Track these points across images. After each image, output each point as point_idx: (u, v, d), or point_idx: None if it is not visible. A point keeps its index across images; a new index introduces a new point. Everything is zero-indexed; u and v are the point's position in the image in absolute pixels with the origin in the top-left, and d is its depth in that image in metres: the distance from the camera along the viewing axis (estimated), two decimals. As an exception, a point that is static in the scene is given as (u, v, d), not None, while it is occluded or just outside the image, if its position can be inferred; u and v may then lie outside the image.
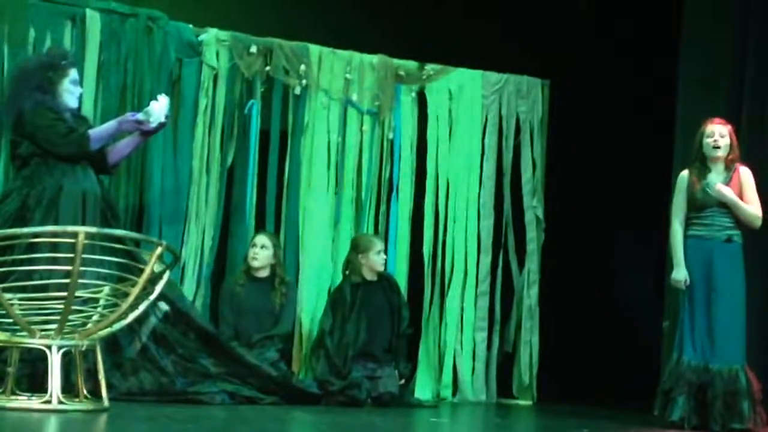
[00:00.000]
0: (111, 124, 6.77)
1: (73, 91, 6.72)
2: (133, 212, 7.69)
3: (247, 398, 7.03)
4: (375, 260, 7.89)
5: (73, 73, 6.75)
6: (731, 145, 6.99)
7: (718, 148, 6.96)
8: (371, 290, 7.90)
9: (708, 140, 6.98)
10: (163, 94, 6.94)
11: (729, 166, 6.99)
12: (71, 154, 6.53)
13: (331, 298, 7.92)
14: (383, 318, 7.91)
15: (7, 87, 6.82)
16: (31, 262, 5.96)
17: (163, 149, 7.73)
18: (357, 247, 7.93)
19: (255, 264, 7.77)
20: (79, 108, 6.95)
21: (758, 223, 6.97)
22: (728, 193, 6.89)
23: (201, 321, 7.19)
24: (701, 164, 7.00)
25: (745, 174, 6.99)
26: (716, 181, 6.91)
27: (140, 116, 6.75)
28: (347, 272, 7.92)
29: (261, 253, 7.78)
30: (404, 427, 6.59)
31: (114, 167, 7.03)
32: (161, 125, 6.84)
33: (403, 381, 7.86)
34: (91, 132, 6.67)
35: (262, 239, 7.82)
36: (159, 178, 7.76)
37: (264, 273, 7.83)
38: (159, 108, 6.78)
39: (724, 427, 6.72)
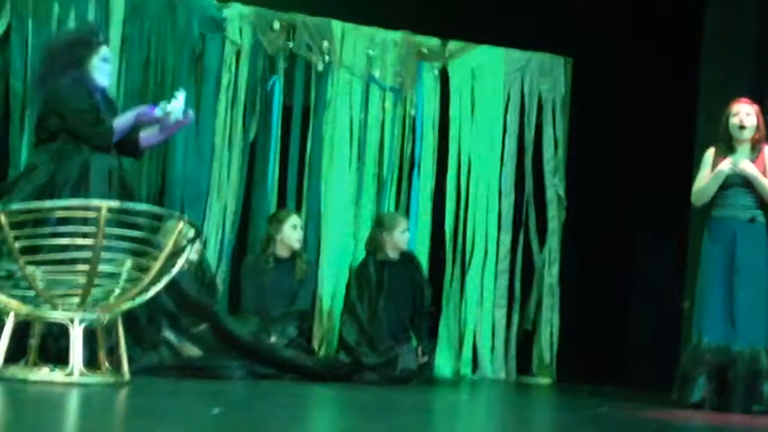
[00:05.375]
0: (129, 117, 6.53)
1: (102, 69, 6.49)
2: (155, 188, 7.71)
3: (267, 373, 7.07)
4: (399, 239, 7.86)
5: (103, 50, 6.53)
6: (758, 125, 6.91)
7: (744, 127, 6.85)
8: (394, 268, 7.88)
9: (734, 119, 6.88)
10: (181, 89, 6.68)
11: (755, 147, 6.89)
12: (93, 143, 6.46)
13: (355, 274, 7.90)
14: (405, 296, 7.89)
15: (38, 65, 6.73)
16: (54, 236, 5.96)
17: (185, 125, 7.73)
18: (382, 225, 7.89)
19: (299, 246, 7.77)
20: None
21: None
22: (749, 168, 6.81)
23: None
24: (726, 144, 6.93)
25: (771, 154, 6.92)
26: (741, 160, 6.84)
27: (158, 112, 6.49)
28: (370, 249, 7.93)
29: (301, 233, 7.79)
30: (423, 404, 6.59)
31: (141, 153, 6.94)
32: (180, 123, 6.57)
33: (426, 358, 7.87)
34: (114, 123, 6.57)
35: (298, 219, 7.81)
36: (181, 154, 7.77)
37: (286, 253, 7.83)
38: (178, 105, 6.50)
39: (746, 408, 6.68)
